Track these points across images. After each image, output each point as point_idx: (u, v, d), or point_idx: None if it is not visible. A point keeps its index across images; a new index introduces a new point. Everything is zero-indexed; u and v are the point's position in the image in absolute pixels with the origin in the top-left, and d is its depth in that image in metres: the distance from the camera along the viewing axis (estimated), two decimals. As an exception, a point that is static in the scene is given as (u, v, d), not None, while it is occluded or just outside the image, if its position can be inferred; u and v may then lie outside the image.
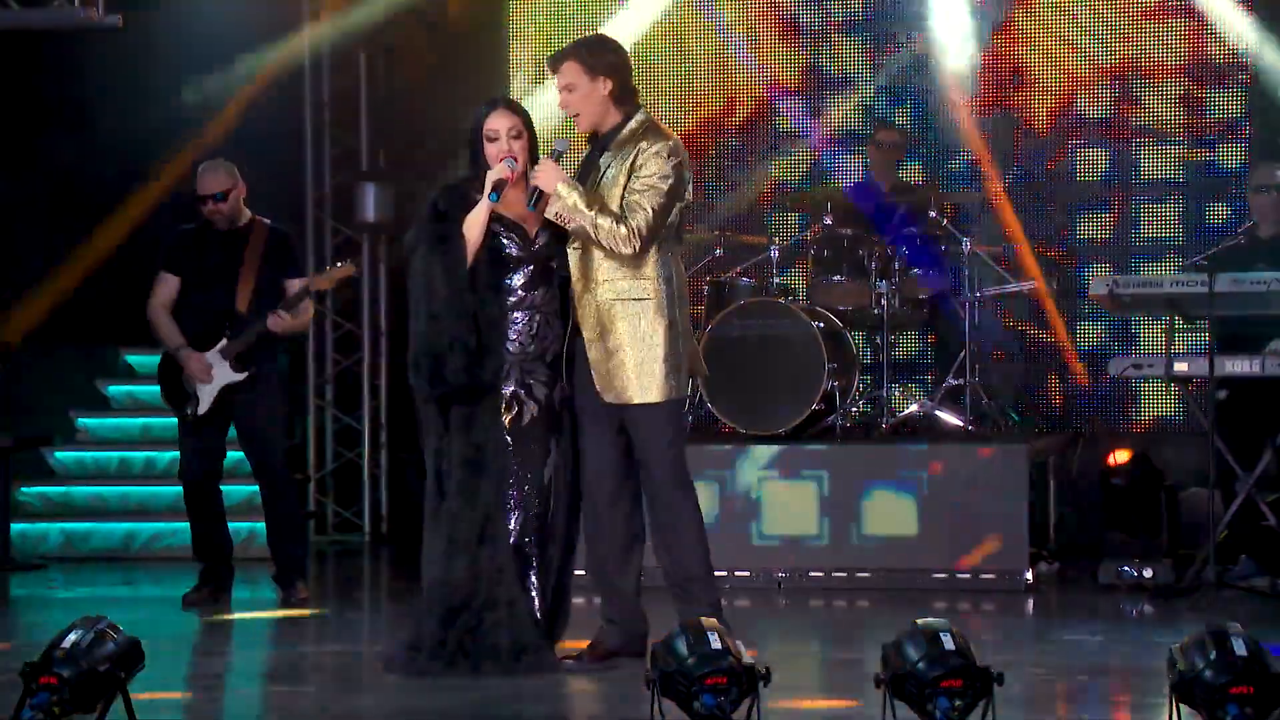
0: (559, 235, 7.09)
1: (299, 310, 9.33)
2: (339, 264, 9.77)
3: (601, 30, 10.59)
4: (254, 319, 9.26)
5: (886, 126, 11.72)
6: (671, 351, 7.05)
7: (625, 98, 7.12)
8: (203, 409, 9.34)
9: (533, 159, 7.13)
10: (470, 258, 6.99)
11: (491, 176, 7.00)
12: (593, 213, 6.93)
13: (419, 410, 7.11)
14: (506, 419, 7.06)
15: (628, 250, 6.95)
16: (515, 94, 11.92)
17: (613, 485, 7.15)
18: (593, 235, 6.95)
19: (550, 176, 6.96)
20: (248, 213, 9.48)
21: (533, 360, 7.09)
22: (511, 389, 7.07)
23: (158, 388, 9.61)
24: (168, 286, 9.44)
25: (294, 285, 9.37)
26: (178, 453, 9.68)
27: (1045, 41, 12.20)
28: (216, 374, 9.29)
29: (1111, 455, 10.10)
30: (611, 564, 7.20)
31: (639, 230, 6.94)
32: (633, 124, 7.10)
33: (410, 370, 7.08)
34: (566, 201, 6.93)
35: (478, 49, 12.53)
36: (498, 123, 7.09)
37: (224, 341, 9.29)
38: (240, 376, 9.30)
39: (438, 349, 6.97)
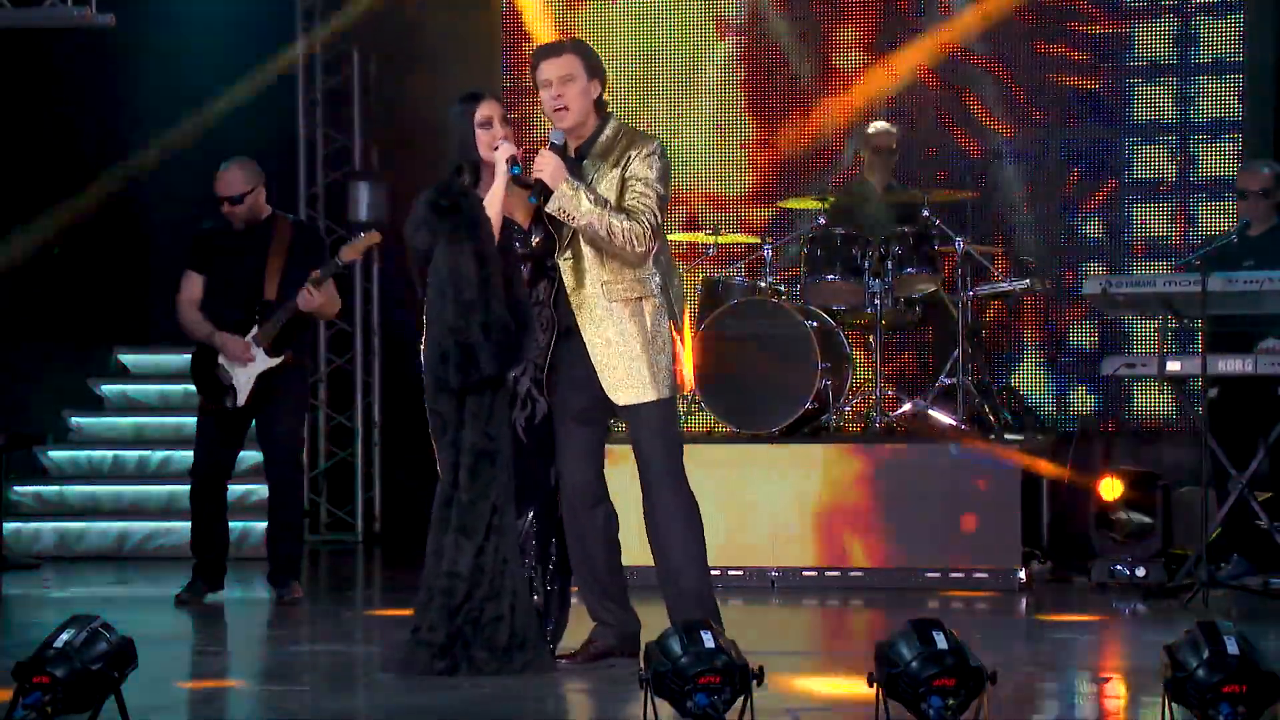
0: (549, 233, 7.07)
1: (327, 287, 9.27)
2: (363, 234, 9.62)
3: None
4: (282, 304, 9.24)
5: (881, 127, 11.70)
6: (676, 347, 7.08)
7: (602, 105, 7.11)
8: (241, 400, 9.30)
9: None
10: (496, 237, 6.93)
11: (504, 154, 6.97)
12: (606, 213, 6.90)
13: (430, 403, 7.00)
14: (522, 416, 7.06)
15: (641, 249, 6.93)
16: (506, 93, 11.95)
17: (595, 488, 7.15)
18: (604, 234, 6.88)
19: (554, 170, 6.90)
20: (268, 209, 9.47)
21: (543, 356, 7.08)
22: (528, 387, 7.07)
23: (151, 387, 9.61)
24: (193, 284, 9.43)
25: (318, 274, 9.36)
26: (171, 452, 9.68)
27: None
28: (254, 358, 9.27)
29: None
30: (600, 566, 7.19)
31: (651, 229, 6.94)
32: (610, 131, 7.07)
33: (434, 362, 6.94)
34: (574, 199, 6.86)
35: (470, 48, 12.52)
36: (490, 110, 7.07)
37: (255, 329, 9.28)
38: (276, 361, 9.27)
39: (470, 338, 6.88)
